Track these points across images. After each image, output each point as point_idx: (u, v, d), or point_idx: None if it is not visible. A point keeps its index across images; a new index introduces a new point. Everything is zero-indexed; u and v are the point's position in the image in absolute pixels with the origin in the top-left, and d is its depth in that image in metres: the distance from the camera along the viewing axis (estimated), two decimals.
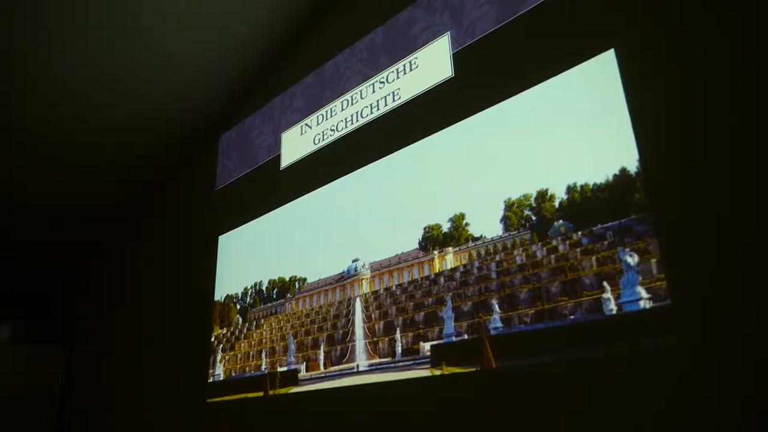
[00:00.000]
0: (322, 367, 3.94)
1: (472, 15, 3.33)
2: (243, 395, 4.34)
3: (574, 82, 2.99)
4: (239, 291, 4.62)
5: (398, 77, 3.68)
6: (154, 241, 6.16)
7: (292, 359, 4.12)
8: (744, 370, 2.38)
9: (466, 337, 3.24)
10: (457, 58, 3.40)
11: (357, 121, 3.89)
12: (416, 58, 3.60)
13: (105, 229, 6.90)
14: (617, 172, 2.80)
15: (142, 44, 4.55)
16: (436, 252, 3.47)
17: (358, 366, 3.75)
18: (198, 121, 5.18)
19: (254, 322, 4.50)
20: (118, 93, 4.92)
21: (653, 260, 2.67)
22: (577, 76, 2.97)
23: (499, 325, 3.12)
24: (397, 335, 3.57)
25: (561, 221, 3.01)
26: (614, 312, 2.76)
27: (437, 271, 3.47)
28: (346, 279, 3.90)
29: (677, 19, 2.76)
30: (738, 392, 2.38)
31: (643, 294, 2.69)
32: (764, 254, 2.38)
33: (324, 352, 3.96)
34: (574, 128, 2.97)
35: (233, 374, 4.53)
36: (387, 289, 3.71)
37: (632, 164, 2.75)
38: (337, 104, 4.03)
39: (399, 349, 3.55)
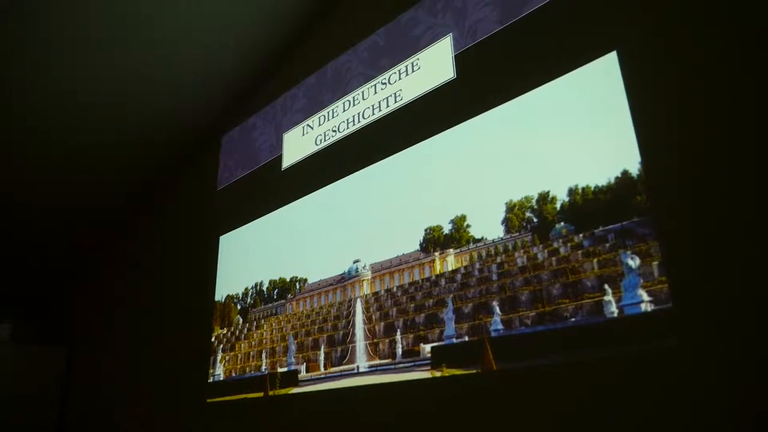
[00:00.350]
0: (322, 368, 3.94)
1: (474, 16, 3.33)
2: (243, 395, 4.34)
3: (576, 84, 2.99)
4: (240, 291, 4.62)
5: (400, 78, 3.68)
6: (155, 241, 6.16)
7: (293, 360, 4.12)
8: (744, 374, 2.38)
9: (466, 338, 3.24)
10: (459, 60, 3.40)
11: (359, 122, 3.89)
12: (418, 59, 3.60)
13: (105, 229, 6.90)
14: (619, 174, 2.80)
15: (143, 44, 4.54)
16: (437, 253, 3.47)
17: (358, 367, 3.75)
18: (199, 121, 5.18)
19: (255, 323, 4.50)
20: (119, 93, 4.91)
21: (654, 263, 2.67)
22: (580, 78, 2.97)
23: (500, 327, 3.12)
24: (398, 336, 3.57)
25: (562, 223, 3.01)
26: (615, 315, 2.76)
27: (438, 272, 3.47)
28: (346, 280, 3.90)
29: (678, 20, 2.77)
30: (738, 395, 2.39)
31: (645, 297, 2.69)
32: (766, 257, 2.39)
33: (324, 353, 3.96)
34: (576, 130, 2.97)
35: (233, 374, 4.53)
36: (388, 291, 3.71)
37: (634, 166, 2.75)
38: (338, 105, 4.03)
39: (399, 351, 3.55)
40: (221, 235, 4.80)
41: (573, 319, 2.89)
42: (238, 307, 4.63)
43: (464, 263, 3.36)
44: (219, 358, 4.67)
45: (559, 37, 3.04)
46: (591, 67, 2.93)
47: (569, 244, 2.98)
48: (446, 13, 3.47)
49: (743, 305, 2.42)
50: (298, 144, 4.26)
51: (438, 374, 3.34)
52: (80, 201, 6.24)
